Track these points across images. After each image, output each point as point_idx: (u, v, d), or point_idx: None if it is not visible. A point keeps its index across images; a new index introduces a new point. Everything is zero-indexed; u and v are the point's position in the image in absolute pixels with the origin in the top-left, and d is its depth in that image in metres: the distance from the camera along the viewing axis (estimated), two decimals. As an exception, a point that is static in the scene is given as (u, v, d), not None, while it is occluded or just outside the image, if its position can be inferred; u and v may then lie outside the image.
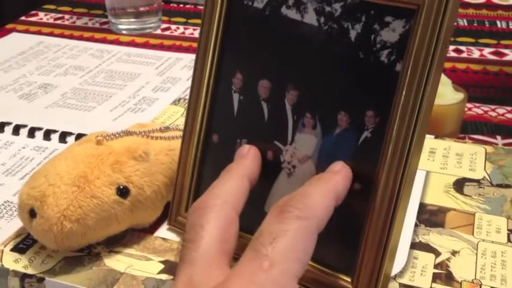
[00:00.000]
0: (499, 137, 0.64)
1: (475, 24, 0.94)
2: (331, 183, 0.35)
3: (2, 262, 0.42)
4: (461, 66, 0.80)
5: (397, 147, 0.35)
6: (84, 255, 0.42)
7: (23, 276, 0.41)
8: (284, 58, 0.39)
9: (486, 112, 0.69)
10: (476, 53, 0.84)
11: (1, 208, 0.49)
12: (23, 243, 0.43)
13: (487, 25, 0.94)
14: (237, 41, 0.41)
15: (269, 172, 0.40)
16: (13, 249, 0.43)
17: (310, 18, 0.38)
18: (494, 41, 0.88)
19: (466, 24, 0.95)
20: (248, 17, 0.40)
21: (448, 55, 0.83)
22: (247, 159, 0.38)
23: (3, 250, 0.43)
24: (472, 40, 0.88)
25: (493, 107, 0.70)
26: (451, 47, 0.86)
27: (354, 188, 0.37)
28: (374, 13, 0.35)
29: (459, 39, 0.89)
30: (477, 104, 0.71)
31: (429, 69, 0.34)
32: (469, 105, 0.70)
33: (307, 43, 0.38)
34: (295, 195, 0.33)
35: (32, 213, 0.40)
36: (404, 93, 0.35)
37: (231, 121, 0.42)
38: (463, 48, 0.86)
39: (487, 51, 0.85)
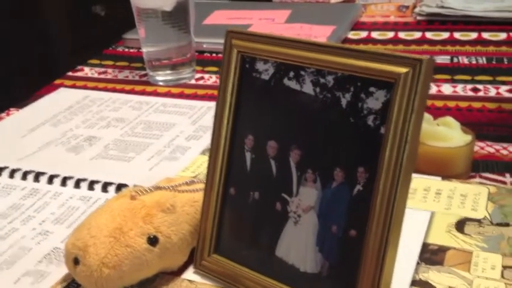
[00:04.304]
0: (508, 175, 0.67)
1: (494, 62, 0.98)
2: None
3: (52, 303, 0.48)
4: (477, 105, 0.84)
5: (384, 198, 0.41)
6: (121, 296, 0.49)
7: (70, 316, 0.48)
8: (287, 122, 0.45)
9: (498, 151, 0.72)
10: (492, 91, 0.88)
11: (50, 254, 0.56)
12: (69, 287, 0.50)
13: (506, 62, 0.97)
14: (248, 107, 0.48)
15: (278, 220, 0.46)
16: (61, 292, 0.50)
17: (308, 88, 0.44)
18: (511, 79, 0.91)
19: (485, 62, 0.98)
20: (256, 87, 0.47)
21: (465, 94, 0.87)
22: None
23: (53, 293, 0.49)
24: (490, 78, 0.92)
25: (505, 145, 0.73)
26: (469, 86, 0.90)
27: (350, 234, 0.42)
28: (361, 84, 0.41)
29: (477, 77, 0.92)
30: (489, 143, 0.74)
31: (407, 131, 0.39)
32: (481, 144, 0.73)
33: (306, 109, 0.44)
34: None
35: (76, 261, 0.47)
36: (387, 151, 0.40)
37: (245, 176, 0.48)
38: (480, 86, 0.89)
39: (503, 89, 0.88)
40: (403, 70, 0.39)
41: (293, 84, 0.45)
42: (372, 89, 0.41)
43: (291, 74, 0.45)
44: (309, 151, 0.44)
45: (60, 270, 0.53)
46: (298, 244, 0.45)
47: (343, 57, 0.42)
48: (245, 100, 0.48)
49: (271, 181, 0.47)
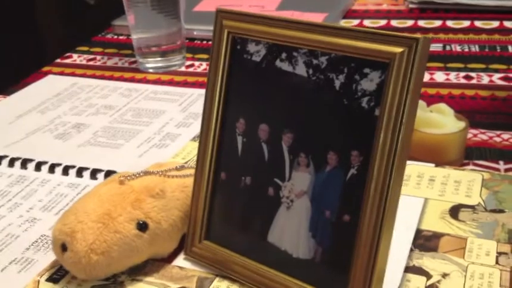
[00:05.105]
0: (501, 162, 0.67)
1: (487, 50, 0.97)
2: None
3: (39, 291, 0.47)
4: (470, 92, 0.83)
5: (378, 182, 0.40)
6: (110, 283, 0.48)
7: (57, 303, 0.46)
8: (279, 105, 0.44)
9: (491, 138, 0.72)
10: (485, 79, 0.87)
11: (38, 242, 0.55)
12: (57, 274, 0.49)
13: (498, 50, 0.97)
14: (239, 90, 0.47)
15: (270, 206, 0.45)
16: (48, 280, 0.48)
17: (301, 69, 0.43)
18: (504, 66, 0.90)
19: (477, 50, 0.97)
20: (248, 69, 0.46)
21: (458, 82, 0.87)
22: None
23: (39, 280, 0.48)
24: (483, 66, 0.91)
25: (498, 132, 0.73)
26: (462, 74, 0.89)
27: (344, 219, 0.41)
28: (355, 65, 0.40)
29: (470, 65, 0.91)
30: (483, 130, 0.73)
31: (403, 113, 0.38)
32: (474, 131, 0.72)
33: (298, 92, 0.43)
34: None
35: (64, 248, 0.46)
36: (382, 134, 0.39)
37: (236, 161, 0.47)
38: (473, 74, 0.89)
39: (496, 76, 0.87)
40: (398, 50, 0.38)
41: (285, 66, 0.44)
42: (366, 70, 0.40)
43: (283, 55, 0.44)
44: (301, 134, 0.43)
45: (48, 258, 0.51)
46: (291, 230, 0.44)
47: (336, 37, 0.41)
48: (236, 83, 0.47)
49: (263, 165, 0.46)
